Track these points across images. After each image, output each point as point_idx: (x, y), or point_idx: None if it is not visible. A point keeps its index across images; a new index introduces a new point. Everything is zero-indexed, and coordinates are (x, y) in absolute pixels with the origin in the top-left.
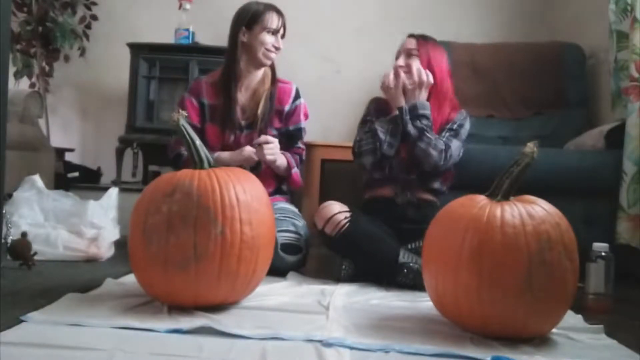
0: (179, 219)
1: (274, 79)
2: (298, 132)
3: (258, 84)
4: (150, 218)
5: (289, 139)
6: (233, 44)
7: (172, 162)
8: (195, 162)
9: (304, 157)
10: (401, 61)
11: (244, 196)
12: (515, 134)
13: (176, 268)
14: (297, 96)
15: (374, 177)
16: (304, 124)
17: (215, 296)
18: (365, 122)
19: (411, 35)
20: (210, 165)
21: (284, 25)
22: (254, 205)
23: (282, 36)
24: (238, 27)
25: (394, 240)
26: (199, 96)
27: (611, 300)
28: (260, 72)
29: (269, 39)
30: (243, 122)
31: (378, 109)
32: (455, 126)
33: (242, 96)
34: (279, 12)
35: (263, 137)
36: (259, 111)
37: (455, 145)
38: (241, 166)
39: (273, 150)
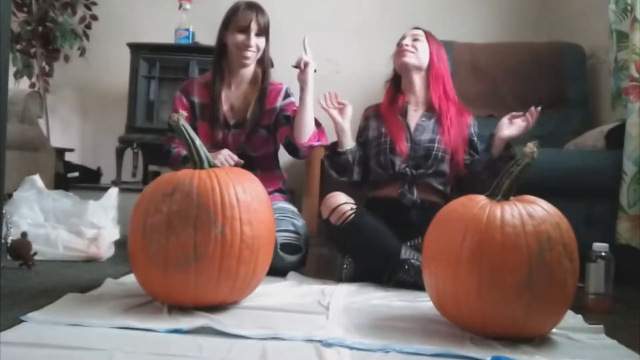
0: (179, 219)
1: (265, 79)
2: (287, 119)
3: (248, 84)
4: (150, 218)
5: (279, 123)
6: (216, 45)
7: (163, 158)
8: (195, 162)
9: None
10: (408, 40)
11: (244, 196)
12: None
13: (176, 268)
14: (287, 95)
15: (378, 177)
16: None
17: (215, 296)
18: (361, 132)
19: (417, 28)
20: (210, 165)
21: (259, 22)
22: (254, 205)
23: (259, 33)
24: (220, 29)
25: (396, 236)
26: (189, 95)
27: (611, 300)
28: (249, 72)
29: (239, 37)
30: (232, 122)
31: (371, 115)
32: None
33: (231, 95)
34: (253, 8)
35: (305, 58)
36: (248, 114)
37: None
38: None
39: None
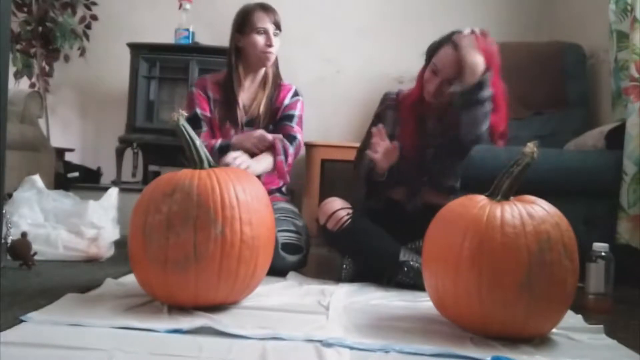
0: (179, 219)
1: (276, 81)
2: (291, 116)
3: (259, 86)
4: (150, 218)
5: (282, 121)
6: (230, 50)
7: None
8: (195, 162)
9: (298, 139)
10: (438, 82)
11: (244, 196)
12: (515, 134)
13: (176, 268)
14: (296, 94)
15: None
16: (298, 112)
17: (215, 296)
18: (376, 120)
19: (473, 32)
20: (210, 165)
21: (275, 22)
22: (254, 205)
23: (276, 33)
24: (233, 34)
25: (394, 239)
26: (205, 90)
27: (611, 300)
28: (260, 74)
29: (260, 39)
30: (244, 119)
31: (390, 106)
32: None
33: (243, 95)
34: (267, 9)
35: (230, 158)
36: (261, 109)
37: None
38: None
39: (240, 161)
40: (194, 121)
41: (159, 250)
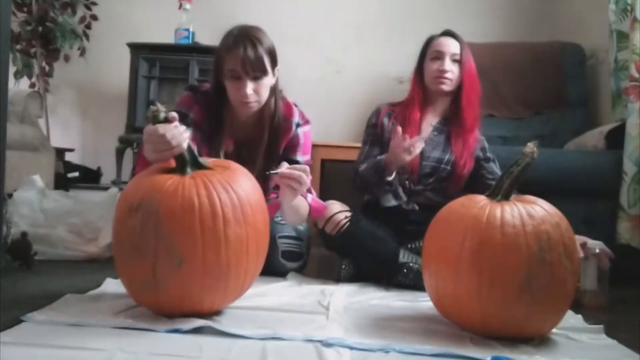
0: (140, 240)
1: (276, 114)
2: (294, 159)
3: (257, 118)
4: (120, 230)
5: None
6: (215, 84)
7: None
8: (177, 166)
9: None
10: (448, 65)
11: (235, 200)
12: (515, 134)
13: (142, 289)
14: (297, 125)
15: None
16: (301, 158)
17: (202, 307)
18: (370, 131)
19: (450, 35)
20: (197, 166)
21: (250, 63)
22: (246, 210)
23: (255, 76)
24: (215, 65)
25: (394, 240)
26: (187, 110)
27: (605, 297)
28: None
29: (231, 86)
30: (233, 151)
31: (387, 114)
32: (491, 154)
33: (237, 125)
34: (241, 43)
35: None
36: (259, 157)
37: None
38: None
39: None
40: None
41: (125, 268)
